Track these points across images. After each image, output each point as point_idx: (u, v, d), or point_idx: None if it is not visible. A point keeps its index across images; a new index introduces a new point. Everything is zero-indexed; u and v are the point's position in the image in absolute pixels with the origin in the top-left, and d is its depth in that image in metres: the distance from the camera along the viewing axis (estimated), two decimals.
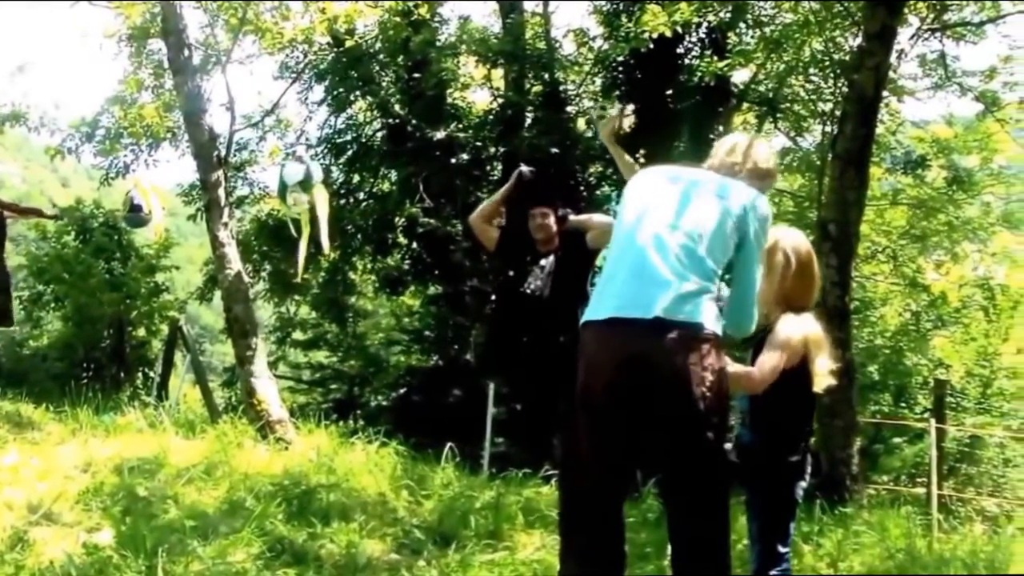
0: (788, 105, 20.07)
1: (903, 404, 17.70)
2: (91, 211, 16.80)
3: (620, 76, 18.83)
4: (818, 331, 4.54)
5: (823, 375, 4.53)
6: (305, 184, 7.01)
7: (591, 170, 18.84)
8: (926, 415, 14.13)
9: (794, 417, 4.64)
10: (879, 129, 14.24)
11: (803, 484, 4.65)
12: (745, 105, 20.61)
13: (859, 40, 11.82)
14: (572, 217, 8.50)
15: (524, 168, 8.21)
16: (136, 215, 9.75)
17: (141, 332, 16.96)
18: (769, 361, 4.44)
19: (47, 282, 16.20)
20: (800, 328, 4.49)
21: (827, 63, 16.94)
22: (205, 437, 8.51)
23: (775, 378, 4.44)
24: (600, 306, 4.17)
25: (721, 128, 18.92)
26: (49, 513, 5.72)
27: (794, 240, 4.68)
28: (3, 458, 6.99)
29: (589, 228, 8.40)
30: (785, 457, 4.62)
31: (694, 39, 18.42)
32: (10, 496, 5.95)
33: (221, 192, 10.12)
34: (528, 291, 8.58)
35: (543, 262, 8.57)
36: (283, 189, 6.90)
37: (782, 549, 4.60)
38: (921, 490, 11.16)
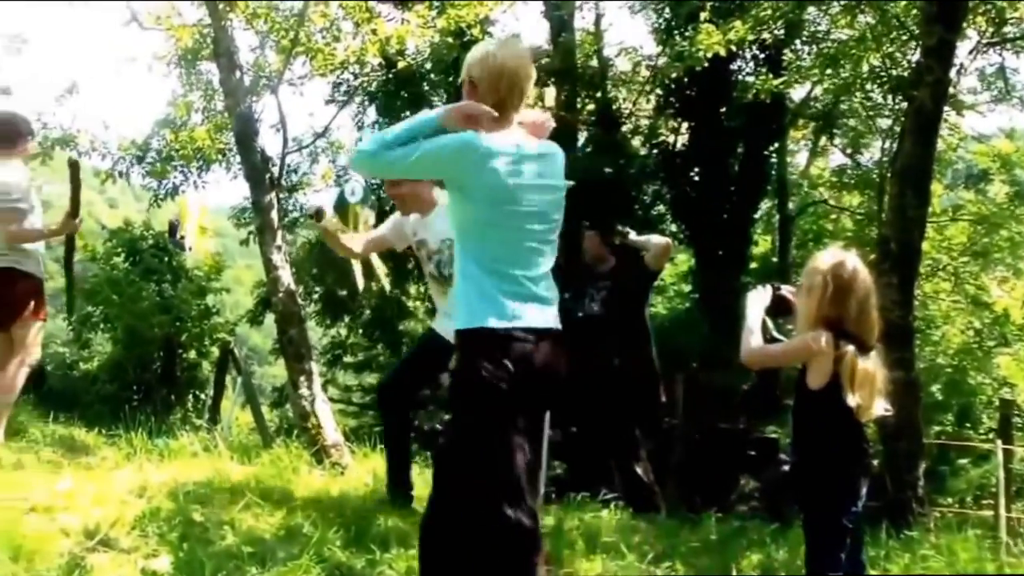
0: (845, 121, 19.93)
1: (967, 424, 17.46)
2: (140, 233, 16.81)
3: (673, 94, 18.77)
4: (865, 363, 4.44)
5: (867, 408, 4.45)
6: (340, 205, 7.00)
7: (646, 189, 18.73)
8: (991, 436, 13.91)
9: (831, 439, 4.51)
10: (939, 144, 14.05)
11: (855, 509, 4.52)
12: (800, 121, 20.51)
13: (917, 55, 11.70)
14: (632, 237, 8.40)
15: None
16: (176, 239, 9.71)
17: (192, 354, 16.94)
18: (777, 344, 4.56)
19: (96, 304, 16.20)
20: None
21: (885, 79, 16.75)
22: (260, 461, 8.44)
23: (763, 358, 4.73)
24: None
25: (776, 145, 18.81)
26: (106, 539, 5.64)
27: (833, 263, 4.57)
28: (58, 483, 6.92)
29: (647, 249, 8.31)
30: (827, 480, 4.50)
31: (748, 56, 18.34)
32: (66, 522, 5.88)
33: (274, 215, 10.08)
34: (583, 314, 8.53)
35: (600, 284, 8.52)
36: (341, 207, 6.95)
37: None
38: (988, 512, 10.96)
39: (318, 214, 6.89)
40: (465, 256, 4.40)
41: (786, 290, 5.00)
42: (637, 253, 8.46)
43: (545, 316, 4.36)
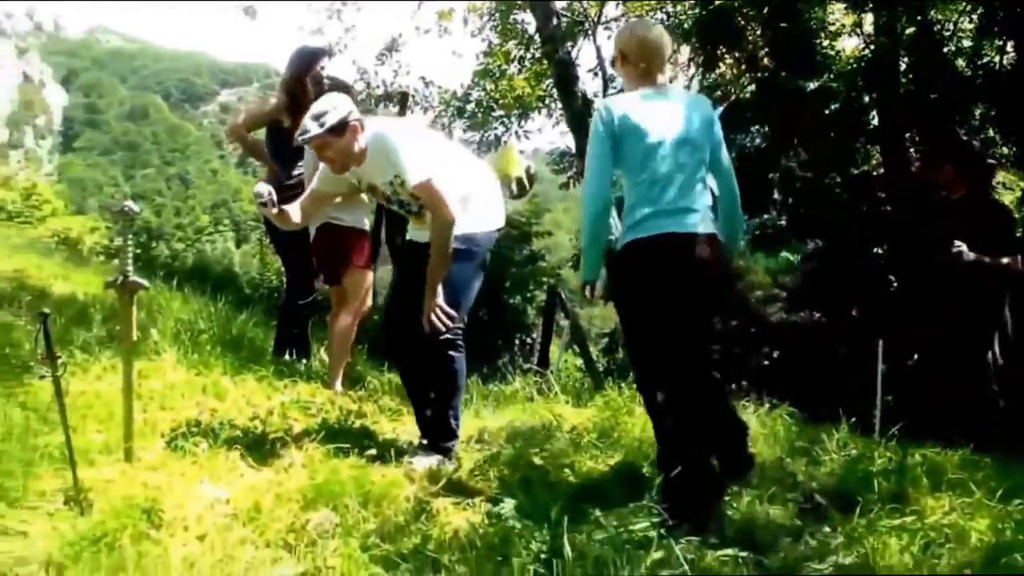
0: None
1: None
2: None
3: (998, 10, 17.83)
4: None
5: None
6: None
7: (973, 112, 17.89)
8: None
9: None
10: None
11: None
12: None
13: None
14: None
15: None
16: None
17: (516, 299, 17.16)
18: None
19: None
20: None
21: None
22: (593, 404, 8.46)
23: None
24: None
25: None
26: (450, 484, 5.76)
27: None
28: (398, 429, 7.12)
29: None
30: None
31: None
32: (410, 467, 6.02)
33: None
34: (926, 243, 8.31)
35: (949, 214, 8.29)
36: None
37: None
38: None
39: (272, 202, 6.46)
40: (627, 191, 5.67)
41: None
42: (994, 200, 8.24)
43: (687, 223, 5.49)
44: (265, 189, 6.31)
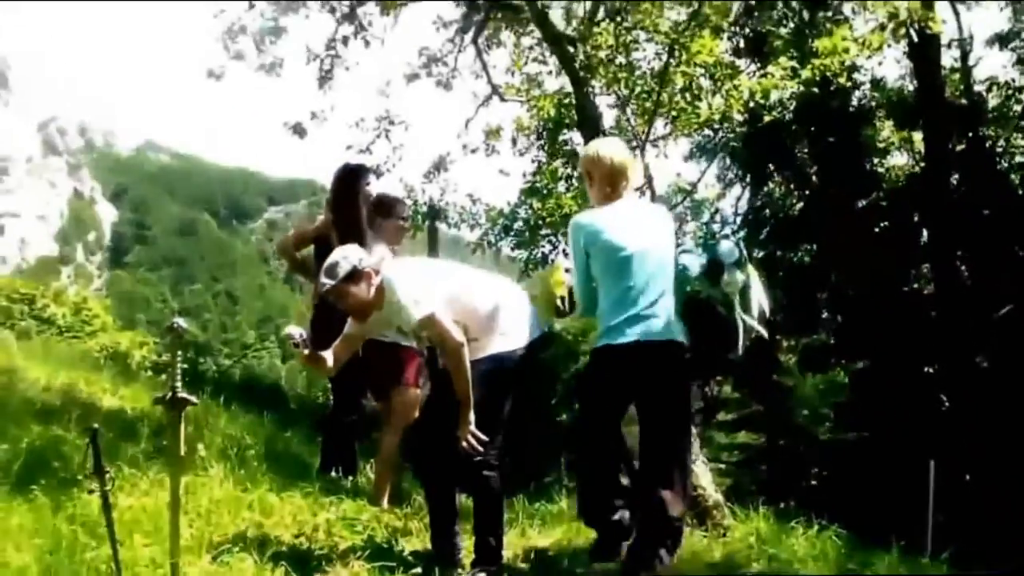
0: None
1: None
2: None
3: None
4: None
5: None
6: (740, 263, 6.84)
7: None
8: None
9: None
10: None
11: None
12: None
13: None
14: None
15: None
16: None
17: (563, 416, 17.10)
18: None
19: None
20: None
21: None
22: None
23: None
24: None
25: None
26: None
27: None
28: None
29: None
30: None
31: None
32: None
33: None
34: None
35: None
36: (717, 269, 6.71)
37: None
38: None
39: (304, 343, 6.45)
40: (600, 296, 6.19)
41: None
42: None
43: (653, 331, 6.00)
44: (297, 332, 6.33)
